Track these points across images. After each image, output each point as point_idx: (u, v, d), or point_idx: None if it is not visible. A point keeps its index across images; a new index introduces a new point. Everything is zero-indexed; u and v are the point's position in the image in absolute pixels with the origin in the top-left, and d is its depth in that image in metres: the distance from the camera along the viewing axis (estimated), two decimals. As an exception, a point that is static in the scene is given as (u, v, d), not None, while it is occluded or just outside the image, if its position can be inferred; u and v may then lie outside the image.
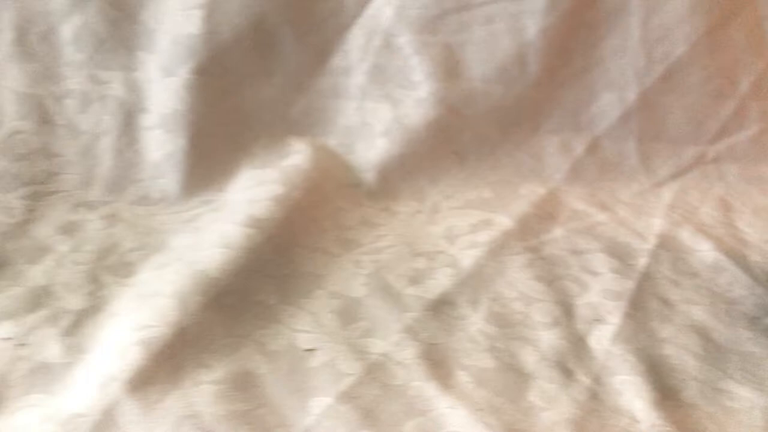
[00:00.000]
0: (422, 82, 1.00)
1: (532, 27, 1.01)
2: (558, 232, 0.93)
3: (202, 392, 0.63)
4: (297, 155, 0.95)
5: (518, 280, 0.82)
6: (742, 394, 0.70)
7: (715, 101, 1.09)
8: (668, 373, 0.72)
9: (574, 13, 1.01)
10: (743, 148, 1.11)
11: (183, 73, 0.93)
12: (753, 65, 1.10)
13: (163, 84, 0.94)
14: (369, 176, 0.98)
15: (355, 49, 1.00)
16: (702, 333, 0.77)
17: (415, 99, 1.00)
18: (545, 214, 0.97)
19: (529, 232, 0.93)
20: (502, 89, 1.02)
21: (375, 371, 0.68)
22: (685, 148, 1.09)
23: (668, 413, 0.66)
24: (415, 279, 0.82)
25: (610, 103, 1.05)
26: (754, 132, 1.11)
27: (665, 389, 0.69)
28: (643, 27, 1.04)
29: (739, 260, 0.91)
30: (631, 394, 0.68)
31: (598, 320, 0.78)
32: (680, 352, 0.74)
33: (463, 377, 0.69)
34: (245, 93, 0.97)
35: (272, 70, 0.98)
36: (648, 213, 0.99)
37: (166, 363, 0.65)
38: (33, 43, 0.93)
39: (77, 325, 0.70)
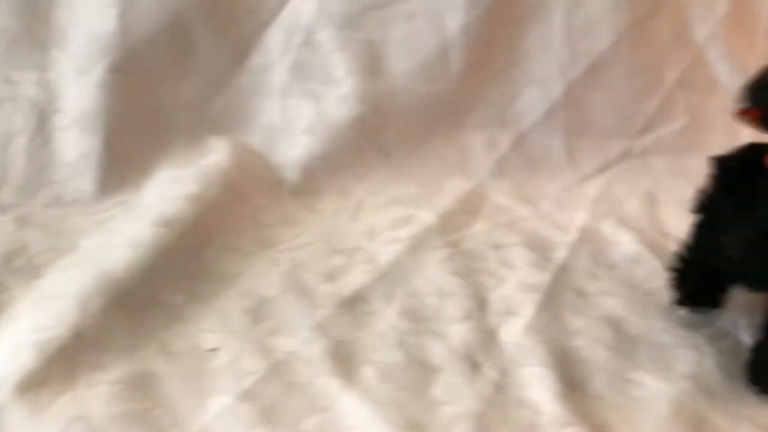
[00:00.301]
0: (344, 79, 1.00)
1: (454, 23, 1.01)
2: (479, 226, 0.94)
3: (96, 393, 0.62)
4: (216, 154, 0.95)
5: (435, 275, 0.83)
6: (650, 384, 0.70)
7: (641, 95, 1.11)
8: (577, 365, 0.72)
9: (495, 9, 1.02)
10: (669, 141, 1.12)
11: (98, 72, 0.93)
12: (678, 59, 1.12)
13: (77, 83, 0.93)
14: (292, 174, 0.98)
15: (276, 47, 1.00)
16: (615, 324, 0.78)
17: (338, 96, 1.00)
18: (468, 209, 0.97)
19: (450, 227, 0.93)
20: (426, 86, 1.02)
21: (279, 369, 0.68)
22: (611, 142, 1.10)
23: (573, 404, 0.66)
24: (331, 276, 0.82)
25: (535, 99, 1.06)
26: (681, 125, 1.12)
27: (572, 381, 0.70)
28: (567, 22, 1.05)
29: (659, 252, 0.92)
30: (537, 386, 0.68)
31: (511, 313, 0.78)
32: (591, 344, 0.75)
33: (368, 372, 0.68)
34: (163, 92, 0.97)
35: (190, 68, 0.98)
36: (572, 207, 1.00)
37: (61, 365, 0.64)
38: (-60, 43, 0.92)
39: (-26, 329, 0.68)
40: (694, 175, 1.09)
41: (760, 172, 0.66)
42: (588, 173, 1.06)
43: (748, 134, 1.14)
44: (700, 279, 0.78)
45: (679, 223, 1.00)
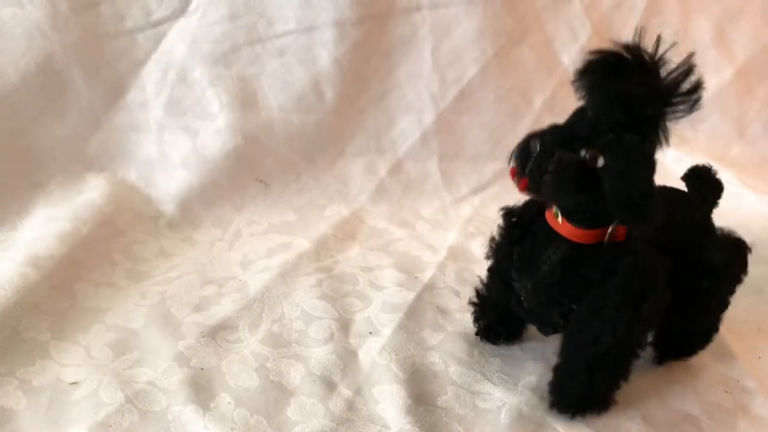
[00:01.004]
0: (219, 113, 1.03)
1: (325, 57, 1.05)
2: (354, 250, 0.97)
3: (-52, 434, 0.64)
4: (92, 191, 0.96)
5: (303, 300, 0.85)
6: (495, 395, 0.74)
7: (512, 118, 1.17)
8: (430, 379, 0.76)
9: (364, 43, 1.06)
10: (541, 161, 1.18)
11: (-30, 115, 0.93)
12: (545, 83, 1.18)
13: (-52, 125, 0.94)
14: (169, 207, 1.00)
15: (151, 84, 1.02)
16: (470, 339, 0.82)
17: (213, 130, 1.03)
18: (345, 234, 1.00)
19: (325, 252, 0.96)
20: (301, 117, 1.06)
21: (136, 399, 0.70)
22: (484, 165, 1.15)
23: (418, 418, 0.70)
24: (199, 307, 0.84)
25: (409, 126, 1.11)
26: (551, 145, 1.18)
27: (422, 395, 0.73)
28: (435, 53, 1.10)
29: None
30: (387, 402, 0.72)
31: (372, 333, 0.81)
32: (445, 359, 0.78)
33: (224, 399, 0.71)
34: (37, 132, 0.97)
35: (64, 108, 0.99)
36: (445, 227, 1.05)
37: None
38: None
39: None
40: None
41: (541, 225, 0.69)
42: (463, 194, 1.11)
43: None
44: (495, 316, 0.80)
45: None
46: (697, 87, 0.58)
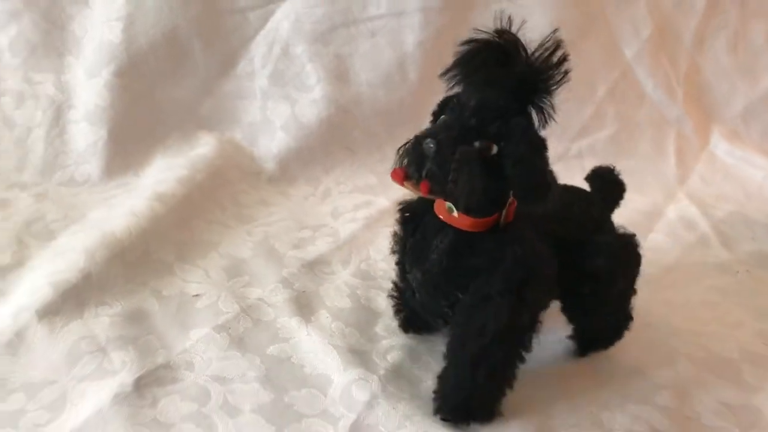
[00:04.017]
0: (316, 86, 1.16)
1: (411, 40, 1.17)
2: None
3: (100, 322, 0.77)
4: (204, 147, 1.10)
5: (385, 246, 0.96)
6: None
7: (576, 105, 1.27)
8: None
9: (447, 29, 1.18)
10: (602, 145, 1.28)
11: (105, 75, 1.08)
12: (608, 74, 1.28)
13: (87, 84, 1.09)
14: (269, 165, 1.14)
15: (258, 57, 1.16)
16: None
17: (310, 99, 1.16)
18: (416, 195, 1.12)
19: (403, 210, 1.08)
20: (386, 94, 1.18)
21: (249, 310, 0.83)
22: (549, 145, 1.25)
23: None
24: (298, 245, 0.97)
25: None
26: (612, 131, 1.29)
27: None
28: (509, 40, 1.21)
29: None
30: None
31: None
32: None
33: (323, 314, 0.83)
34: (159, 93, 1.12)
35: (184, 74, 1.13)
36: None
37: (71, 300, 0.78)
38: (-26, 49, 1.08)
39: (2, 275, 0.83)
40: (623, 176, 1.26)
41: (432, 216, 0.67)
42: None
43: (672, 143, 1.32)
44: (412, 308, 0.79)
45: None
46: (565, 59, 0.59)
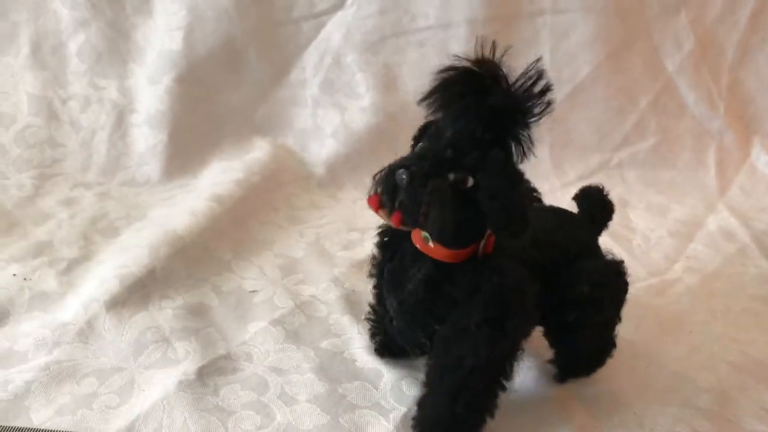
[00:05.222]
0: (365, 94, 1.20)
1: (458, 50, 1.20)
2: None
3: (164, 314, 0.82)
4: (258, 151, 1.15)
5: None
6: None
7: (618, 116, 1.30)
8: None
9: (493, 38, 1.21)
10: (642, 156, 1.30)
11: (166, 82, 1.14)
12: (651, 86, 1.31)
13: (149, 90, 1.14)
14: (319, 170, 1.18)
15: (310, 66, 1.21)
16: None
17: (359, 107, 1.20)
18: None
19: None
20: (433, 102, 1.21)
21: (303, 306, 0.87)
22: (591, 155, 1.28)
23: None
24: (347, 246, 1.01)
25: (525, 116, 1.25)
26: (653, 143, 1.31)
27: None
28: (552, 52, 1.24)
29: (623, 242, 1.10)
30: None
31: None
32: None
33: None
34: (217, 99, 1.17)
35: (240, 82, 1.18)
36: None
37: (137, 293, 0.83)
38: (45, 55, 1.14)
39: (70, 268, 0.88)
40: (663, 187, 1.29)
41: (410, 243, 0.66)
42: (570, 180, 1.24)
43: (713, 155, 1.34)
44: (386, 333, 0.77)
45: (644, 222, 1.18)
46: (547, 89, 0.58)
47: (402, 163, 0.58)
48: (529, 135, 0.58)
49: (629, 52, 1.28)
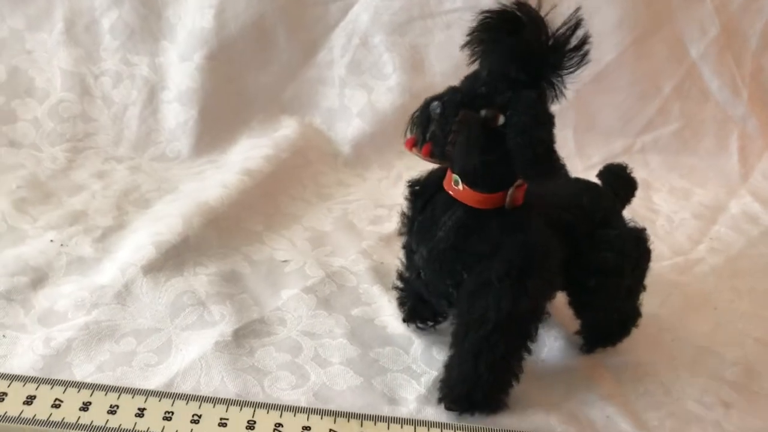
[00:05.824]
0: (391, 75, 1.21)
1: (484, 32, 1.22)
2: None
3: (198, 279, 0.83)
4: (286, 129, 1.17)
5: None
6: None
7: (641, 101, 1.30)
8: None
9: None
10: (666, 141, 1.31)
11: (196, 59, 1.15)
12: (675, 72, 1.31)
13: (180, 67, 1.16)
14: (346, 149, 1.19)
15: (338, 47, 1.22)
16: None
17: (386, 88, 1.21)
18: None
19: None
20: (457, 83, 1.22)
21: (334, 276, 0.88)
22: (614, 140, 1.29)
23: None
24: (375, 221, 1.02)
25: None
26: (676, 128, 1.31)
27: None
28: (578, 37, 1.25)
29: (647, 224, 1.10)
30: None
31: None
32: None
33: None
34: (246, 77, 1.18)
35: (269, 60, 1.20)
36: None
37: (172, 259, 0.85)
38: (79, 32, 1.16)
39: (105, 235, 0.90)
40: (686, 171, 1.29)
41: (442, 192, 0.67)
42: (593, 163, 1.25)
43: (736, 141, 1.34)
44: (416, 297, 0.77)
45: (667, 204, 1.19)
46: (585, 41, 0.58)
47: (436, 96, 0.60)
48: (562, 80, 0.59)
49: (653, 37, 1.28)
